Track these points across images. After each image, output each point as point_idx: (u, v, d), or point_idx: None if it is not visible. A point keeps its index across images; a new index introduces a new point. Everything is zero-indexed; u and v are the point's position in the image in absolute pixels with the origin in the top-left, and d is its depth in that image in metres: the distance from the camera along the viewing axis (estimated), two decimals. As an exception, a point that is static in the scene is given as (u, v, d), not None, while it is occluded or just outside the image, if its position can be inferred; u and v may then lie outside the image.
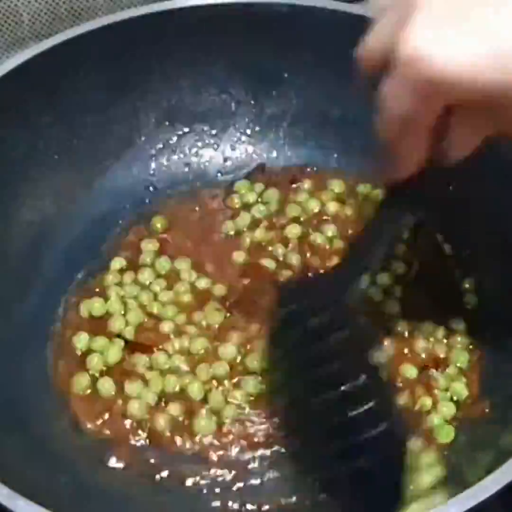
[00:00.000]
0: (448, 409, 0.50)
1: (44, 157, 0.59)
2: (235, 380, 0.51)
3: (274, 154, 0.65)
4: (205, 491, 0.47)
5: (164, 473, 0.48)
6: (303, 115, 0.64)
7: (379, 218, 0.46)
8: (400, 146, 0.38)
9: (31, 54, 0.56)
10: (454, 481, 0.44)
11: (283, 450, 0.48)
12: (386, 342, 0.52)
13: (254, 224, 0.60)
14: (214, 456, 0.48)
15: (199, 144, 0.65)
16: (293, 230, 0.59)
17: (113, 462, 0.48)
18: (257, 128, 0.65)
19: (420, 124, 0.37)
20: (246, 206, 0.61)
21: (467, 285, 0.56)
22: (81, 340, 0.53)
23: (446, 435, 0.48)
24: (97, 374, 0.52)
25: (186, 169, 0.64)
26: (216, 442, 0.49)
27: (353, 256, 0.47)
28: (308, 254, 0.58)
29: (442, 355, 0.52)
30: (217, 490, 0.47)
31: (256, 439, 0.49)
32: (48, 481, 0.46)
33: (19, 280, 0.55)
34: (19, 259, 0.56)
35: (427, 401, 0.50)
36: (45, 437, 0.49)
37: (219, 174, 0.64)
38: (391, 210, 0.45)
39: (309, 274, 0.56)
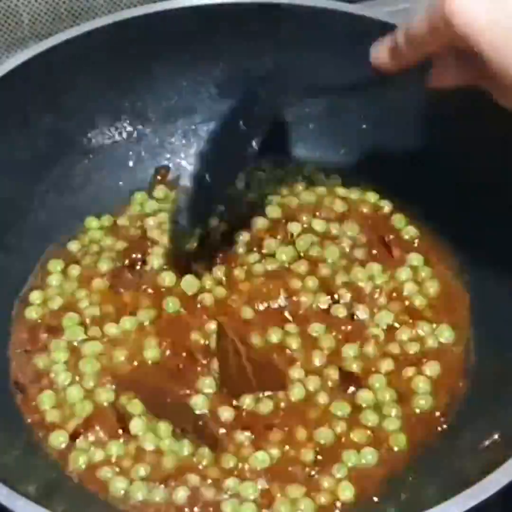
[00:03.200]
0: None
1: (44, 157, 0.59)
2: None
3: (274, 154, 0.65)
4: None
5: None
6: (304, 115, 0.64)
7: None
8: (400, 52, 0.45)
9: (31, 54, 0.56)
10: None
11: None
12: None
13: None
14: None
15: (199, 144, 0.65)
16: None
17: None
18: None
19: (421, 46, 0.43)
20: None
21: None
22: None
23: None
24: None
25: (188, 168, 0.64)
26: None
27: None
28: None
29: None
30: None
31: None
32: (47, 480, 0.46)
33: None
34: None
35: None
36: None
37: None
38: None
39: None
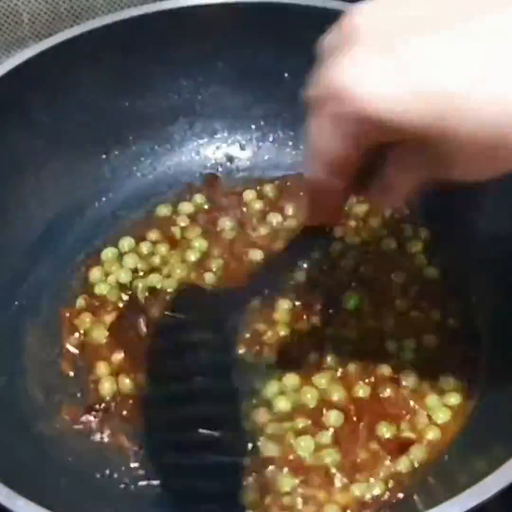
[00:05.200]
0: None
1: (43, 157, 0.59)
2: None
3: (274, 154, 0.65)
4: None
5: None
6: (304, 115, 0.63)
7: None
8: (324, 191, 0.37)
9: (31, 54, 0.56)
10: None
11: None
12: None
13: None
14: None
15: (199, 144, 0.65)
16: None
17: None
18: (257, 129, 0.65)
19: (345, 165, 0.35)
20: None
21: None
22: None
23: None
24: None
25: (188, 168, 0.64)
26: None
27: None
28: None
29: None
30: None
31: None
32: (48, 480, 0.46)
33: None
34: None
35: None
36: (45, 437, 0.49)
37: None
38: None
39: None
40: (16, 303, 0.55)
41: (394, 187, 0.37)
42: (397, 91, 0.32)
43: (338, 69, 0.33)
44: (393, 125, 0.32)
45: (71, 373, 0.52)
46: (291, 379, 0.50)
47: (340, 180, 0.36)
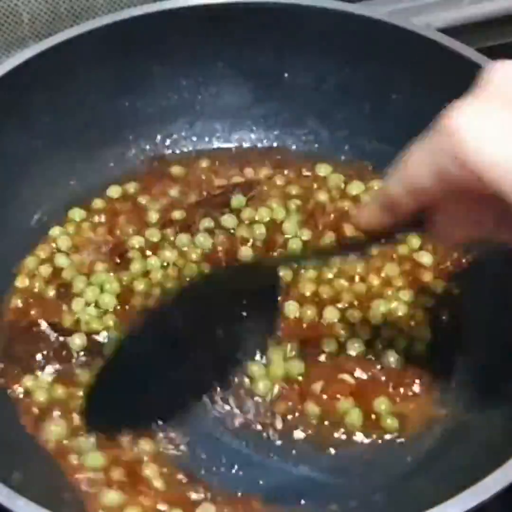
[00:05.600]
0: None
1: (44, 157, 0.59)
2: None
3: (274, 154, 0.65)
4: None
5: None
6: (304, 115, 0.64)
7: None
8: (392, 203, 0.39)
9: (31, 54, 0.56)
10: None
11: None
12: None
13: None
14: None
15: (199, 144, 0.65)
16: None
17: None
18: (256, 129, 0.65)
19: (422, 195, 0.37)
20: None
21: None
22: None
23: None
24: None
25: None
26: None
27: None
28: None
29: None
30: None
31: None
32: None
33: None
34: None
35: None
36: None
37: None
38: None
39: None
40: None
41: (452, 231, 0.40)
42: (505, 154, 0.33)
43: (460, 108, 0.34)
44: (486, 184, 0.33)
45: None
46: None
47: (410, 203, 0.38)
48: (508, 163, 0.33)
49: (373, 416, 0.50)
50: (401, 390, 0.51)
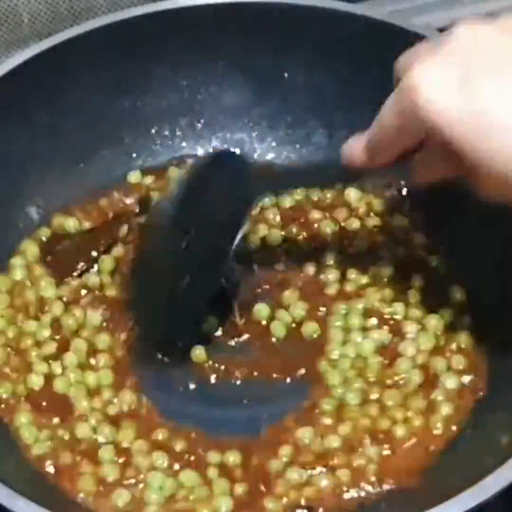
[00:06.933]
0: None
1: (43, 157, 0.59)
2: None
3: (273, 154, 0.65)
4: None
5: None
6: (304, 115, 0.64)
7: None
8: (374, 148, 0.43)
9: (31, 54, 0.56)
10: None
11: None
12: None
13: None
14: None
15: (199, 144, 0.65)
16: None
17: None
18: (256, 129, 0.65)
19: (395, 142, 0.42)
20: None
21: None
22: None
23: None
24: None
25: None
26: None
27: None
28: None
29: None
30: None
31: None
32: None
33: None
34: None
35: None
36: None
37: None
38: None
39: None
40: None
41: (427, 173, 0.44)
42: (459, 110, 0.37)
43: (421, 63, 0.38)
44: (444, 134, 0.38)
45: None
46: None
47: (390, 149, 0.43)
48: (453, 112, 0.37)
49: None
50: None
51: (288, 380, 0.51)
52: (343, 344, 0.52)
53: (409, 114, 0.39)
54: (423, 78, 0.38)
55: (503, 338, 0.50)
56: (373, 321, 0.53)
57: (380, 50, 0.58)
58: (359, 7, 0.60)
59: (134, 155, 0.63)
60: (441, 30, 0.61)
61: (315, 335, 0.52)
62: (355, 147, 0.45)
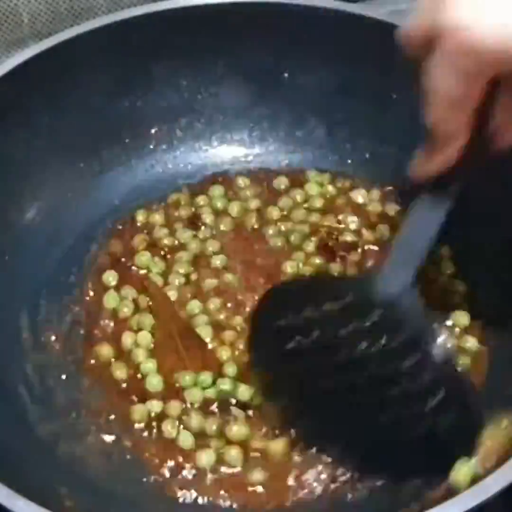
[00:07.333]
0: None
1: (43, 157, 0.59)
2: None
3: (274, 154, 0.65)
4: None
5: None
6: (303, 115, 0.64)
7: (420, 212, 0.44)
8: (445, 130, 0.38)
9: (31, 54, 0.56)
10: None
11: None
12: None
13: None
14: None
15: (199, 144, 0.65)
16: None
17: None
18: (256, 129, 0.65)
19: (465, 103, 0.36)
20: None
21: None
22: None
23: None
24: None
25: (188, 168, 0.64)
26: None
27: (400, 255, 0.44)
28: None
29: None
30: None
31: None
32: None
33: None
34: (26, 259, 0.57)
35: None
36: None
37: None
38: (432, 203, 0.43)
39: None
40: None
41: (502, 130, 0.39)
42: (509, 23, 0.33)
43: (450, 4, 0.34)
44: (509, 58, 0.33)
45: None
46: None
47: (461, 120, 0.37)
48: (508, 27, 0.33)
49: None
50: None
51: None
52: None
53: (468, 62, 0.34)
54: (464, 12, 0.34)
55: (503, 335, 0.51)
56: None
57: (380, 50, 0.58)
58: (359, 7, 0.60)
59: (133, 155, 0.63)
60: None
61: None
62: (422, 155, 0.40)
